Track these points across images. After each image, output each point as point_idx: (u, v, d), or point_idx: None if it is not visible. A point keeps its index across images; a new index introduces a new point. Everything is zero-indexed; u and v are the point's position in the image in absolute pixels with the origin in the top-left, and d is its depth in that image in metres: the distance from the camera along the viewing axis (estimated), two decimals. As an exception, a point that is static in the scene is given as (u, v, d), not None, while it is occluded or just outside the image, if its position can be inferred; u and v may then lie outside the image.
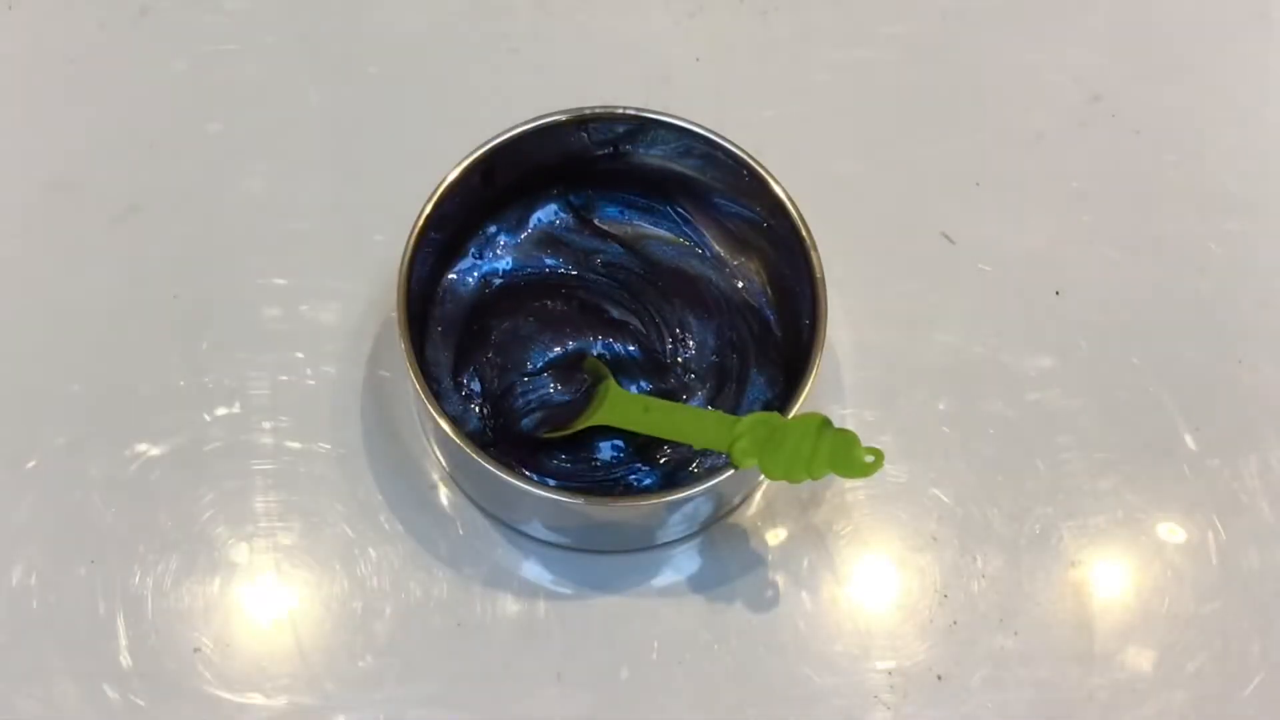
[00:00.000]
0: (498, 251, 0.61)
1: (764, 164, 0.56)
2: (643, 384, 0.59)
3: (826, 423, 0.50)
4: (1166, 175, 0.68)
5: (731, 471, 0.51)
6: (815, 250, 0.55)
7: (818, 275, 0.55)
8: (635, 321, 0.60)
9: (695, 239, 0.62)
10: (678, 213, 0.62)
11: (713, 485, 0.51)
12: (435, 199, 0.55)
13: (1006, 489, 0.60)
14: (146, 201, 0.65)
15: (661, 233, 0.62)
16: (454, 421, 0.52)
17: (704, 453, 0.58)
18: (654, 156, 0.60)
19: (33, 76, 0.69)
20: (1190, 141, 0.69)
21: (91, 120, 0.68)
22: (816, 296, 0.54)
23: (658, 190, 0.61)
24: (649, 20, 0.71)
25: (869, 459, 0.49)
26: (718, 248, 0.62)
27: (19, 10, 0.70)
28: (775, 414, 0.52)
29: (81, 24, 0.70)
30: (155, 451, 0.59)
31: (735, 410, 0.58)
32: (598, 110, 0.57)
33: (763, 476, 0.58)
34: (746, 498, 0.59)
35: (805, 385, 0.52)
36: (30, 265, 0.64)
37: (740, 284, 0.61)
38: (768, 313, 0.60)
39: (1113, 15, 0.73)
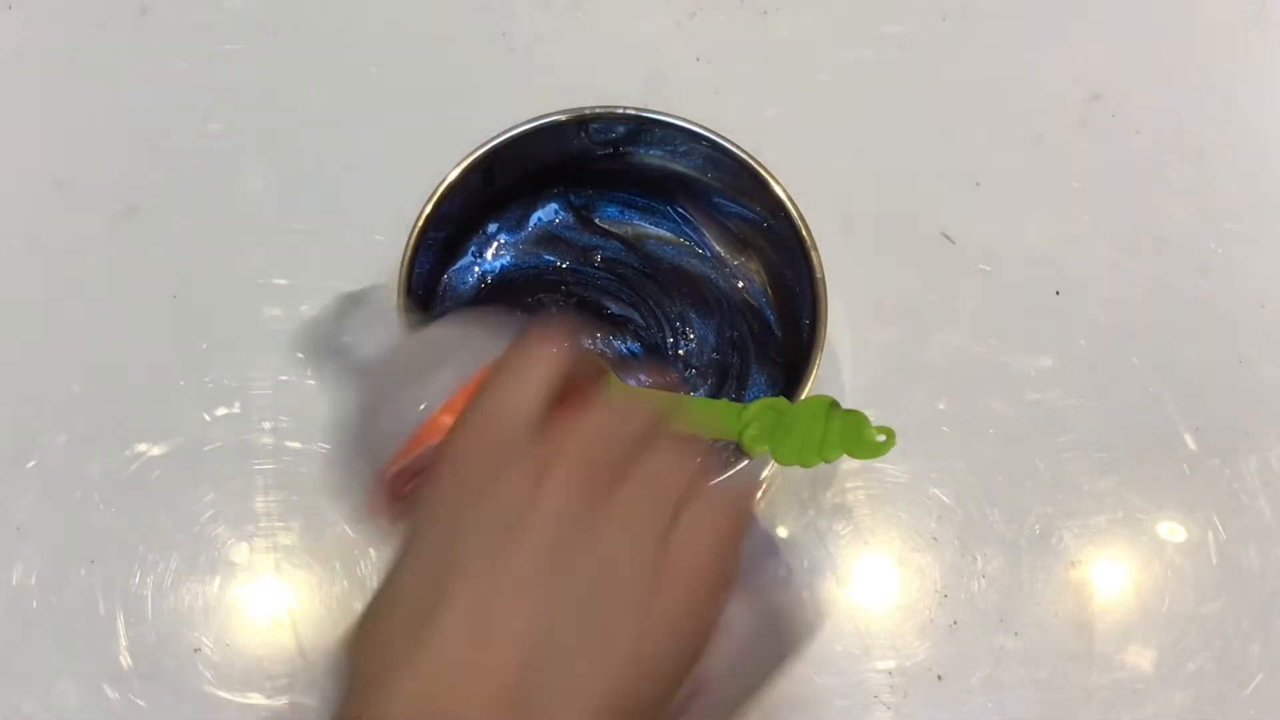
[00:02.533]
0: (498, 251, 0.61)
1: (764, 164, 0.56)
2: (643, 379, 0.59)
3: (834, 404, 0.50)
4: (1166, 175, 0.68)
5: (734, 469, 0.51)
6: (815, 250, 0.55)
7: (818, 275, 0.55)
8: (635, 315, 0.60)
9: (695, 239, 0.62)
10: (678, 213, 0.62)
11: (715, 484, 0.51)
12: (435, 199, 0.55)
13: (1006, 489, 0.60)
14: (146, 201, 0.65)
15: (662, 232, 0.62)
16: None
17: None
18: (654, 156, 0.60)
19: (33, 76, 0.69)
20: (1190, 141, 0.69)
21: (91, 120, 0.68)
22: (816, 296, 0.54)
23: (658, 190, 0.62)
24: (649, 20, 0.71)
25: (880, 438, 0.48)
26: (718, 248, 0.62)
27: (19, 10, 0.70)
28: (782, 398, 0.51)
29: (81, 24, 0.70)
30: (155, 451, 0.59)
31: (735, 410, 0.58)
32: (598, 110, 0.57)
33: (765, 473, 0.58)
34: (746, 498, 0.59)
35: (805, 385, 0.52)
36: (30, 265, 0.64)
37: (740, 284, 0.61)
38: (768, 313, 0.60)
39: (1112, 15, 0.73)
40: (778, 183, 0.56)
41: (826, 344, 0.53)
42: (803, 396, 0.52)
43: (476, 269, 0.61)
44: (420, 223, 0.55)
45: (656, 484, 0.35)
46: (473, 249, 0.61)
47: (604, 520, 0.34)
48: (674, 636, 0.33)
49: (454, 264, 0.61)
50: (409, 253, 0.54)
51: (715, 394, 0.59)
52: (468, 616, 0.32)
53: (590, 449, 0.35)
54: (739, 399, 0.59)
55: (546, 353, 0.37)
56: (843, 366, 0.62)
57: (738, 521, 0.36)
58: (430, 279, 0.59)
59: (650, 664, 0.33)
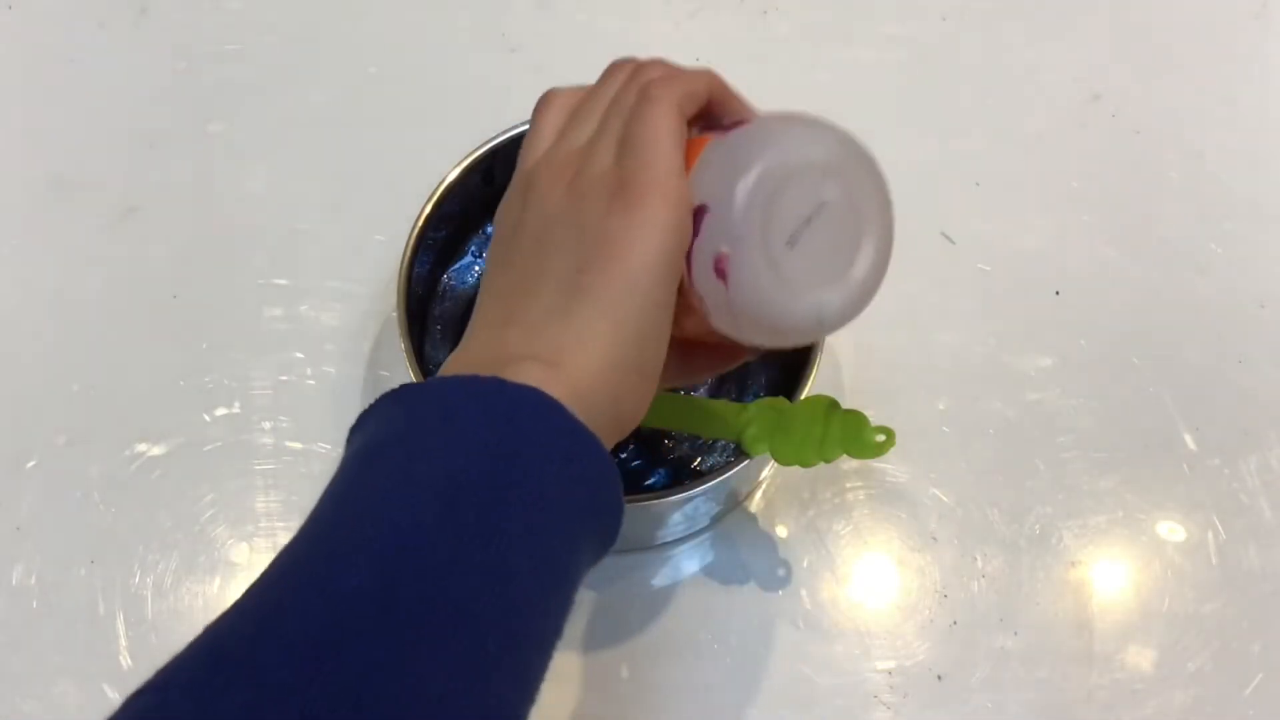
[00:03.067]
0: (498, 251, 0.61)
1: (764, 164, 0.56)
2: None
3: (834, 404, 0.50)
4: (1166, 175, 0.68)
5: (734, 469, 0.51)
6: (815, 250, 0.55)
7: (818, 275, 0.54)
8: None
9: (695, 239, 0.62)
10: (678, 213, 0.62)
11: (714, 484, 0.51)
12: (435, 199, 0.55)
13: (1006, 489, 0.60)
14: (146, 201, 0.65)
15: (661, 233, 0.62)
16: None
17: (706, 450, 0.58)
18: (654, 156, 0.59)
19: (33, 76, 0.69)
20: (1190, 141, 0.69)
21: (91, 120, 0.68)
22: (816, 296, 0.54)
23: (658, 190, 0.61)
24: (649, 20, 0.71)
25: (880, 438, 0.48)
26: (718, 248, 0.62)
27: (19, 10, 0.70)
28: (782, 398, 0.51)
29: (81, 24, 0.70)
30: (155, 451, 0.59)
31: (735, 410, 0.58)
32: (598, 110, 0.57)
33: (765, 474, 0.58)
34: (747, 497, 0.59)
35: (805, 385, 0.52)
36: (30, 265, 0.64)
37: (740, 284, 0.61)
38: (768, 313, 0.60)
39: (1112, 15, 0.73)
40: (778, 183, 0.56)
41: (826, 344, 0.53)
42: (803, 396, 0.52)
43: (476, 269, 0.61)
44: (420, 223, 0.55)
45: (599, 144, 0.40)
46: (473, 249, 0.61)
47: (569, 199, 0.39)
48: (636, 239, 0.37)
49: (454, 264, 0.61)
50: (409, 253, 0.54)
51: (715, 394, 0.59)
52: (495, 301, 0.40)
53: (561, 155, 0.41)
54: (739, 399, 0.59)
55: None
56: (843, 366, 0.62)
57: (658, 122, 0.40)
58: (430, 279, 0.59)
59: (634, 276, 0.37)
